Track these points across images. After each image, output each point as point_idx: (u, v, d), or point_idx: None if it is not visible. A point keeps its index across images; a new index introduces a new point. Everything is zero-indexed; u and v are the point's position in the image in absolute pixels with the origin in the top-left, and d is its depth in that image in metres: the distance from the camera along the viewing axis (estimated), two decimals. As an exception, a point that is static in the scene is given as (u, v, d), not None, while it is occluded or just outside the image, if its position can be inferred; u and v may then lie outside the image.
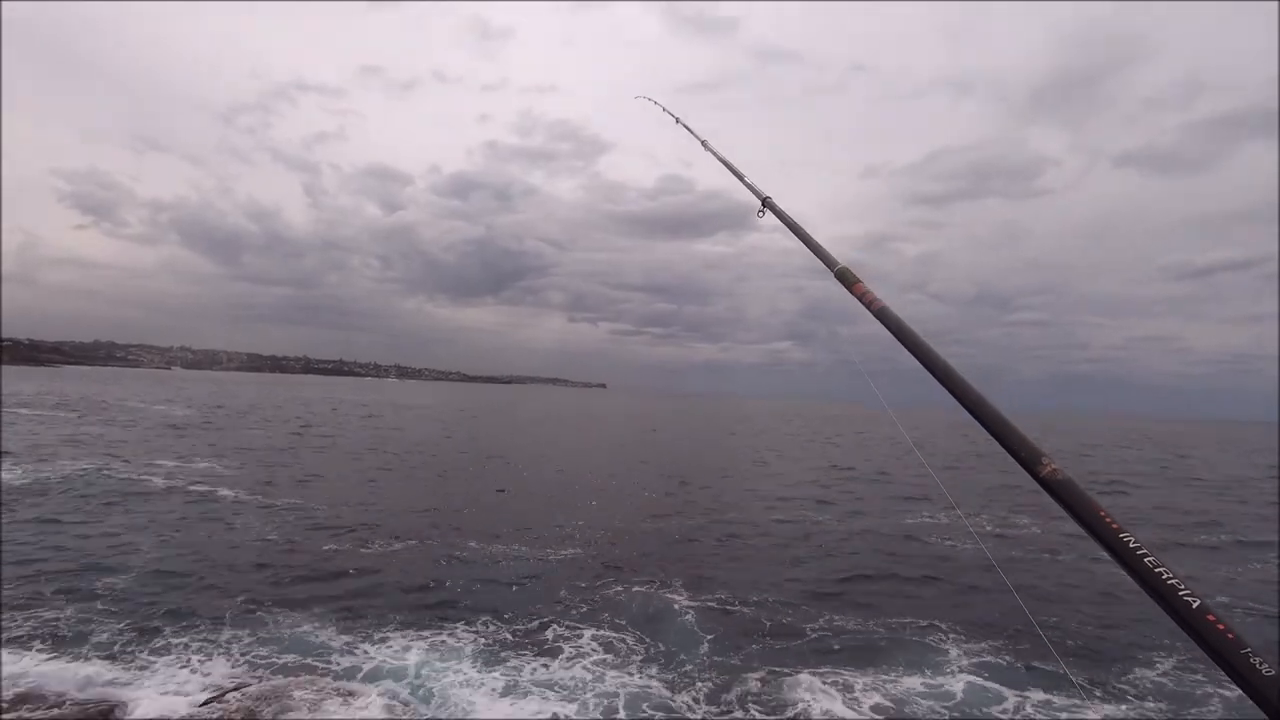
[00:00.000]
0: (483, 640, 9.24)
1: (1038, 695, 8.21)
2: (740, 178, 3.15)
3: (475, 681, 8.00)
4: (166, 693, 7.29)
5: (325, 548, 13.43)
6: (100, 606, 9.59)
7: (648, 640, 9.48)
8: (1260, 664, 0.71)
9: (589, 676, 8.26)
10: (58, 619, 9.03)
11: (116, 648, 8.35)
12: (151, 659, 8.10)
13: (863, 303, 1.70)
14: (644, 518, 18.13)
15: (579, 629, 9.76)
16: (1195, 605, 0.78)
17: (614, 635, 9.60)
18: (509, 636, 9.41)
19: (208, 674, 7.82)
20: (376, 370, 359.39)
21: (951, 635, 10.13)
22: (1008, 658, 9.34)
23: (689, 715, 7.47)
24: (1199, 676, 8.88)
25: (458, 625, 9.71)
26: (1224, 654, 0.73)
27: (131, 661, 8.03)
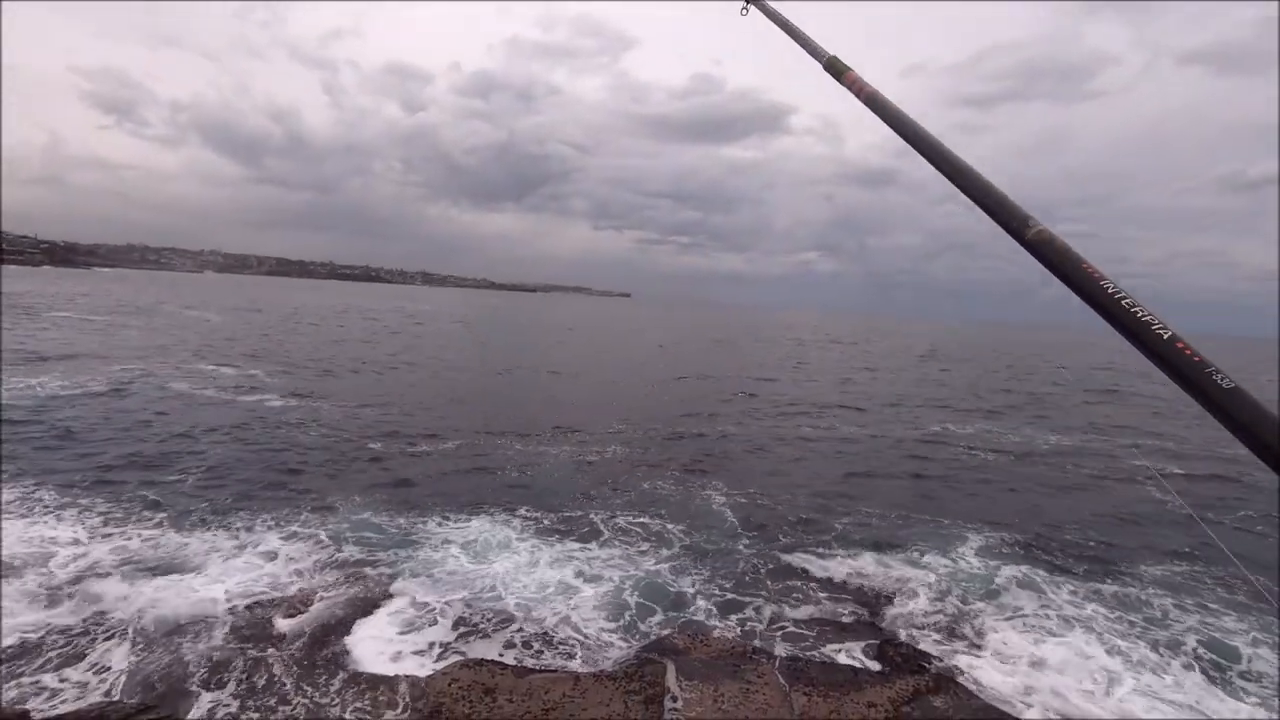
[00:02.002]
0: (529, 524, 10.05)
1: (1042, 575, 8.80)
2: None
3: (523, 559, 8.79)
4: (252, 571, 8.04)
5: (373, 445, 14.13)
6: (173, 494, 10.33)
7: (678, 530, 10.15)
8: (1221, 379, 0.81)
9: (619, 558, 8.99)
10: (136, 505, 9.79)
11: (194, 531, 9.07)
12: (231, 541, 8.83)
13: (852, 91, 1.74)
14: (681, 421, 18.96)
15: (615, 517, 10.55)
16: (1167, 335, 0.87)
17: (650, 523, 10.37)
18: (552, 522, 10.20)
19: (290, 555, 8.52)
20: (402, 277, 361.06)
21: (968, 527, 10.90)
22: (1013, 546, 10.23)
23: (699, 599, 8.03)
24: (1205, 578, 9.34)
25: (506, 512, 10.50)
26: (1190, 376, 0.83)
27: (210, 542, 8.75)
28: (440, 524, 9.85)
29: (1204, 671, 6.96)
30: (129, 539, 8.63)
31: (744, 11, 2.66)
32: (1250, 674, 6.98)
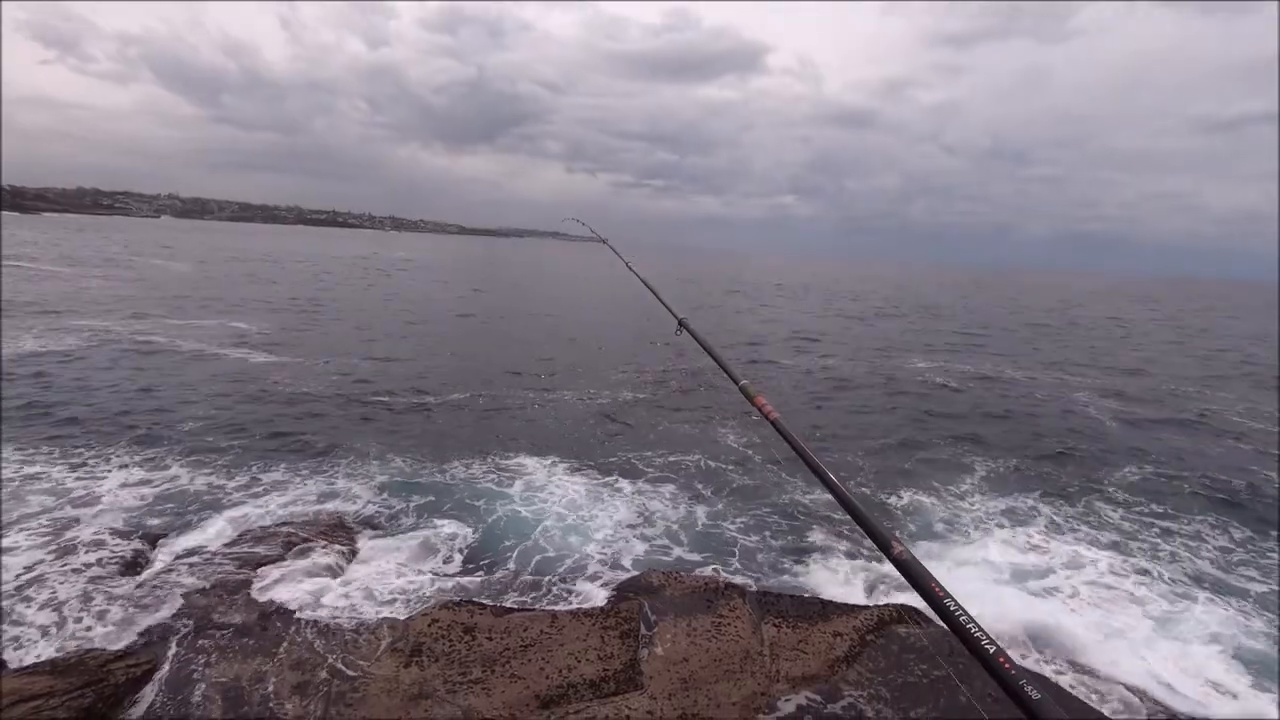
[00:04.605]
0: (562, 465, 10.43)
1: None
2: (659, 298, 3.79)
3: (564, 497, 9.21)
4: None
5: (378, 397, 13.95)
6: (173, 450, 10.15)
7: (700, 467, 10.72)
8: (1031, 690, 0.97)
9: (633, 498, 9.44)
10: (134, 461, 9.67)
11: (196, 485, 9.00)
12: (234, 493, 8.82)
13: (762, 414, 2.09)
14: (675, 361, 19.46)
15: (633, 458, 11.05)
16: (993, 650, 1.05)
17: (666, 463, 10.88)
18: (571, 464, 10.56)
19: (290, 506, 8.53)
20: (371, 222, 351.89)
21: (975, 457, 11.82)
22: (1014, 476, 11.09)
23: (689, 536, 8.31)
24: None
25: (528, 456, 10.78)
26: (1009, 685, 0.99)
27: (212, 495, 8.75)
28: (459, 470, 10.03)
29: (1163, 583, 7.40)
30: (129, 491, 8.61)
31: (678, 332, 3.20)
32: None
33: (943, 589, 1.18)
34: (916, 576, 1.23)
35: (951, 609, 1.14)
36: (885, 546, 1.34)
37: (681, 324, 3.20)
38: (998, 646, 1.05)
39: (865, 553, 7.94)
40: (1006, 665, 1.02)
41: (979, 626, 1.10)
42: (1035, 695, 0.96)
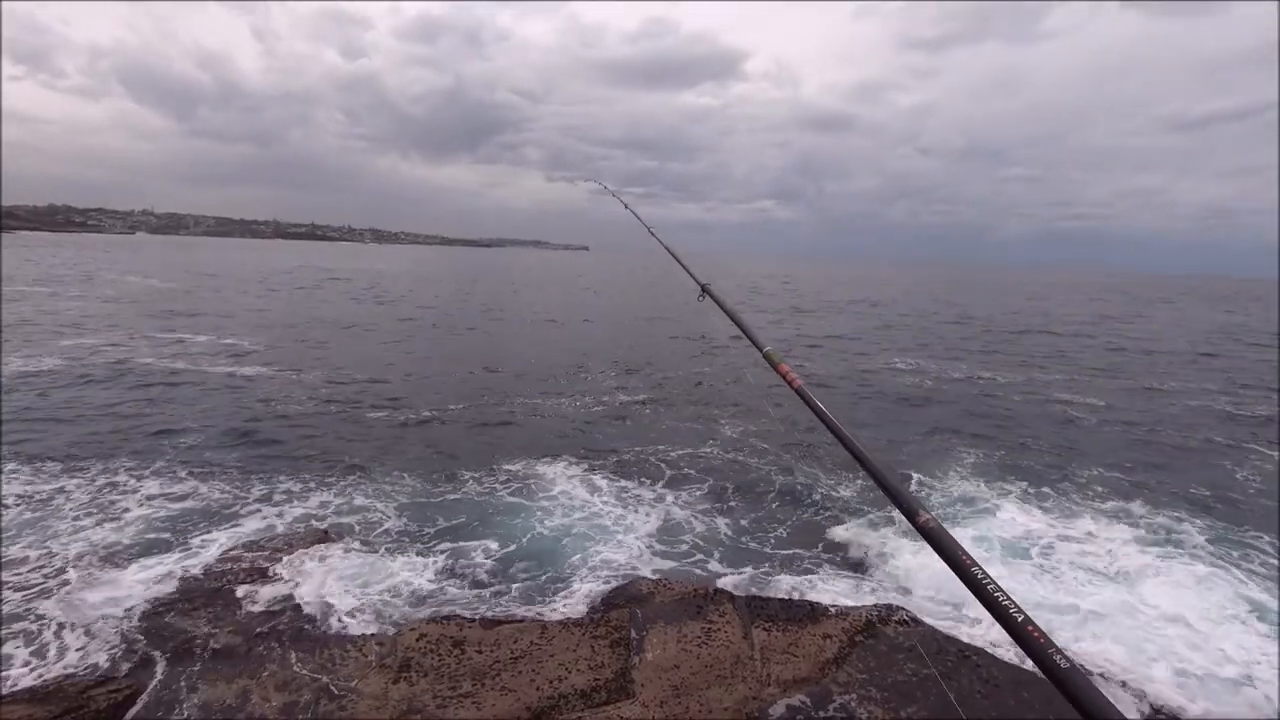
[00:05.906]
0: (576, 469, 10.47)
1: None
2: (681, 263, 3.84)
3: (573, 502, 9.26)
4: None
5: (375, 413, 13.75)
6: (169, 470, 9.93)
7: (710, 465, 10.88)
8: (1060, 659, 0.95)
9: (667, 498, 9.59)
10: (133, 482, 9.49)
11: (189, 505, 8.83)
12: (232, 512, 8.67)
13: (785, 380, 2.08)
14: (677, 363, 19.87)
15: (637, 460, 11.10)
16: (1021, 619, 1.03)
17: (670, 463, 10.98)
18: (593, 466, 10.65)
19: (285, 523, 8.42)
20: (351, 234, 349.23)
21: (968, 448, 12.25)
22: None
23: (687, 538, 8.28)
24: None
25: (544, 459, 10.86)
26: (1038, 654, 0.98)
27: (206, 516, 8.57)
28: (464, 481, 9.95)
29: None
30: (117, 511, 8.45)
31: (701, 298, 3.15)
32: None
33: (970, 557, 1.16)
34: (943, 545, 1.20)
35: (979, 577, 1.11)
36: (911, 514, 1.31)
37: (704, 289, 3.15)
38: (1026, 615, 1.03)
39: (873, 554, 8.03)
40: (1035, 634, 0.99)
41: (1007, 595, 1.07)
42: (1064, 664, 0.94)
